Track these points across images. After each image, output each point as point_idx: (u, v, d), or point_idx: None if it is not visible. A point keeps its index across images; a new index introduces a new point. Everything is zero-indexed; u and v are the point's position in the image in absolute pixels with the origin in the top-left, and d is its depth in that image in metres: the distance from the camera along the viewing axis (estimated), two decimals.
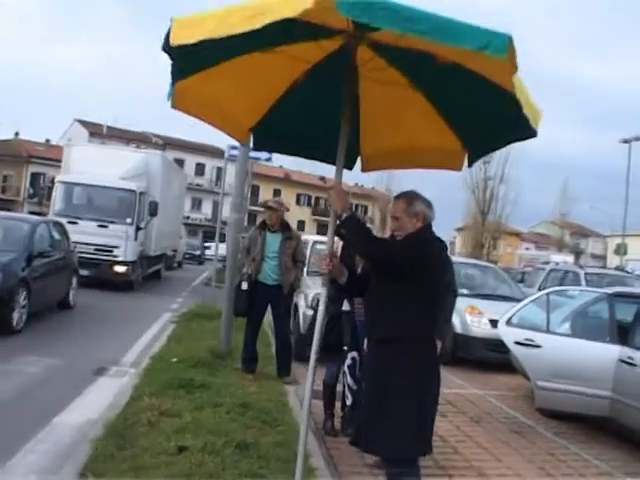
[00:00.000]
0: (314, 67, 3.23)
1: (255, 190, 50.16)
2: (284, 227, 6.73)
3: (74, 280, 10.94)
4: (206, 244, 41.80)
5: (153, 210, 15.34)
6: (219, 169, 54.04)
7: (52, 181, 22.73)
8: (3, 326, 7.84)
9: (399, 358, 3.08)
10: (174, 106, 3.20)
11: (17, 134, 50.86)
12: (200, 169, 57.47)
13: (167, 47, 2.55)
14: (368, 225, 3.69)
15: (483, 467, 4.69)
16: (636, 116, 79.30)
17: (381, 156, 3.86)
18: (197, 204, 56.60)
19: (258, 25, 2.19)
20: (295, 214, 50.60)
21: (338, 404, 5.22)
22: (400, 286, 3.09)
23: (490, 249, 41.25)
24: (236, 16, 2.29)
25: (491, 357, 8.61)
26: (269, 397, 5.57)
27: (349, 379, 4.93)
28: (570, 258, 36.17)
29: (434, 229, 3.34)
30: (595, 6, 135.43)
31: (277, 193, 56.02)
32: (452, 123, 3.29)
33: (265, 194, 54.35)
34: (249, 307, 6.55)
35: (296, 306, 8.02)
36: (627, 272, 17.77)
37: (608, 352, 5.76)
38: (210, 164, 56.84)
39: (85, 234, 13.72)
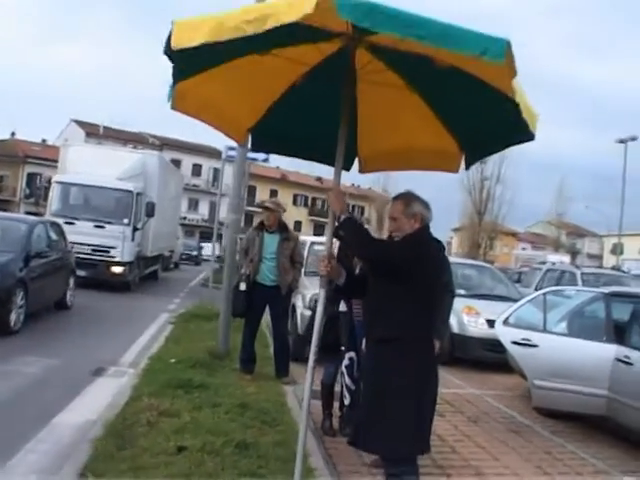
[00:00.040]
0: (312, 69, 3.25)
1: (252, 191, 50.16)
2: (282, 228, 6.75)
3: (71, 280, 10.94)
4: (201, 244, 41.91)
5: (150, 211, 15.34)
6: (216, 170, 54.02)
7: (49, 181, 22.70)
8: (1, 327, 7.84)
9: (397, 358, 3.10)
10: (174, 107, 3.23)
11: (13, 134, 50.78)
12: (197, 170, 57.44)
13: (168, 50, 2.57)
14: (366, 226, 3.71)
15: (481, 466, 4.71)
16: (632, 116, 79.67)
17: (379, 157, 3.89)
18: (194, 205, 56.57)
19: (260, 30, 2.22)
20: (292, 215, 50.57)
21: (336, 404, 5.24)
22: (398, 287, 3.11)
23: (487, 249, 41.38)
24: (237, 20, 2.31)
25: (488, 357, 8.64)
26: (268, 397, 5.59)
27: (347, 379, 4.95)
28: (566, 258, 36.27)
29: (431, 230, 3.37)
30: (594, 7, 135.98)
31: (274, 194, 56.01)
32: (449, 126, 3.32)
33: (262, 195, 54.34)
34: (247, 308, 6.57)
35: (294, 307, 8.04)
36: (623, 272, 17.84)
37: (605, 351, 5.79)
38: (207, 165, 56.82)
39: (82, 234, 13.71)
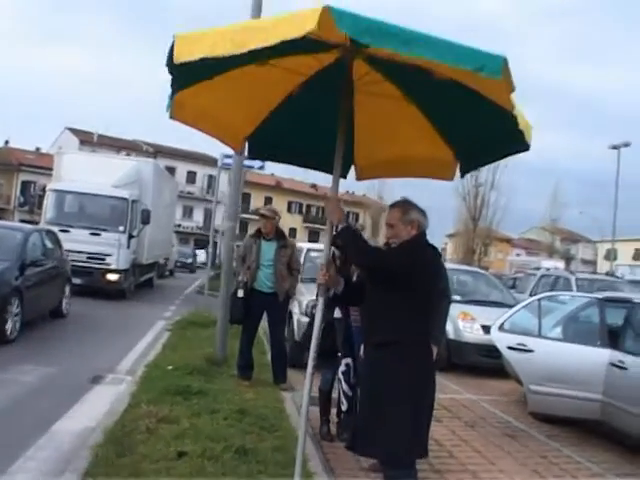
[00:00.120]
0: (309, 79, 3.31)
1: (246, 198, 50.21)
2: (279, 235, 6.79)
3: (67, 289, 10.93)
4: (196, 251, 41.98)
5: (145, 218, 15.35)
6: (210, 177, 54.04)
7: (43, 189, 22.67)
8: None
9: (396, 362, 3.15)
10: (172, 117, 3.28)
11: (7, 142, 50.64)
12: (191, 177, 57.44)
13: (171, 63, 2.62)
14: (364, 235, 3.77)
15: (478, 470, 4.75)
16: (625, 122, 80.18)
17: (375, 165, 3.96)
18: (188, 212, 56.53)
19: (261, 45, 2.27)
20: (286, 222, 50.58)
21: (334, 410, 5.27)
22: (396, 293, 3.17)
23: (481, 255, 41.44)
24: (239, 35, 2.37)
25: (484, 362, 8.69)
26: (266, 403, 5.61)
27: (344, 385, 4.99)
28: (561, 264, 36.41)
29: (427, 236, 3.43)
30: (589, 11, 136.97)
31: (268, 201, 55.98)
32: (446, 136, 3.38)
33: (256, 202, 54.36)
34: (245, 315, 6.59)
35: (290, 313, 8.07)
36: (617, 277, 17.97)
37: (599, 356, 5.85)
38: (201, 172, 56.86)
39: (77, 242, 13.68)
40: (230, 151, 13.06)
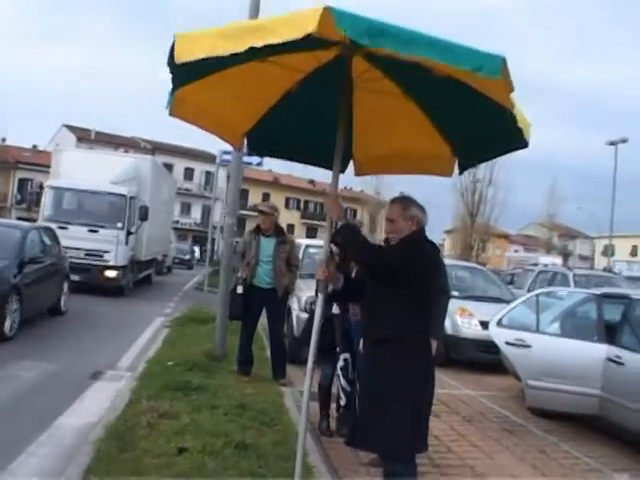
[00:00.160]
0: (308, 76, 3.32)
1: (244, 194, 50.16)
2: (278, 231, 6.82)
3: (65, 286, 10.93)
4: (193, 248, 42.06)
5: (144, 215, 15.34)
6: (208, 173, 54.04)
7: (40, 187, 22.64)
8: None
9: (396, 358, 3.17)
10: (172, 114, 3.29)
11: (4, 140, 50.52)
12: (189, 174, 57.36)
13: (172, 63, 2.64)
14: (363, 232, 3.79)
15: (476, 465, 4.79)
16: (623, 117, 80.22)
17: (373, 161, 3.98)
18: (186, 209, 56.46)
19: (261, 44, 2.28)
20: (284, 218, 50.50)
21: (333, 405, 5.30)
22: (396, 289, 3.19)
23: (479, 251, 41.53)
24: (239, 35, 2.38)
25: (481, 358, 8.73)
26: (265, 398, 5.64)
27: (342, 380, 5.02)
28: (558, 260, 36.51)
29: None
30: (587, 8, 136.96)
31: (266, 197, 55.98)
32: (445, 133, 3.41)
33: (254, 198, 54.36)
34: (244, 311, 6.62)
35: (289, 309, 8.10)
36: (614, 273, 18.04)
37: (596, 351, 5.89)
38: (199, 169, 56.80)
39: (75, 239, 13.68)
40: (228, 148, 13.12)
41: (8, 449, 4.18)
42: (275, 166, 50.28)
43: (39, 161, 41.86)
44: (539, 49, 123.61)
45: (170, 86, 3.10)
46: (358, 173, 4.05)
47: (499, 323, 6.85)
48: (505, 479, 4.60)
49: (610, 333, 6.02)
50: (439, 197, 41.88)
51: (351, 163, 3.99)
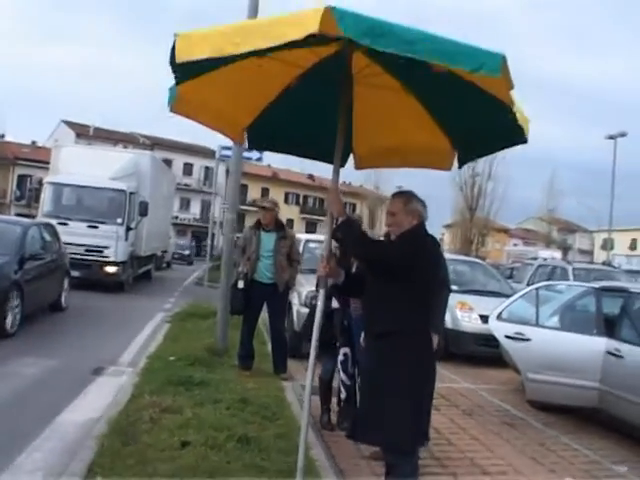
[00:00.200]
0: (308, 71, 3.33)
1: (243, 189, 50.09)
2: (278, 227, 6.84)
3: (66, 282, 10.96)
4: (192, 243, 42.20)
5: (143, 210, 15.35)
6: (207, 169, 54.00)
7: (39, 182, 22.60)
8: None
9: (397, 352, 3.20)
10: (173, 110, 3.31)
11: (3, 136, 50.42)
12: (188, 169, 57.32)
13: (173, 62, 2.65)
14: (364, 228, 3.83)
15: (476, 457, 4.83)
16: (622, 110, 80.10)
17: (374, 155, 4.00)
18: (185, 204, 56.44)
19: (263, 46, 2.29)
20: (283, 213, 50.44)
21: (334, 399, 5.33)
22: (396, 284, 3.22)
23: (479, 245, 41.50)
24: (240, 36, 2.40)
25: (481, 352, 8.76)
26: (267, 393, 5.67)
27: (342, 374, 5.06)
28: (558, 254, 36.48)
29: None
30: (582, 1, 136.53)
31: (265, 192, 55.99)
32: (444, 127, 3.43)
33: (253, 193, 54.32)
34: (245, 305, 6.65)
35: (290, 304, 8.13)
36: (614, 267, 18.06)
37: (595, 344, 5.93)
38: (198, 164, 56.75)
39: (75, 235, 13.67)
40: (228, 143, 13.11)
41: (12, 444, 4.21)
42: (274, 161, 50.33)
43: (38, 157, 41.79)
44: (533, 40, 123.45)
45: (170, 83, 3.13)
46: (358, 167, 4.07)
47: (499, 317, 6.88)
48: (505, 471, 4.63)
49: (609, 326, 6.05)
50: (438, 191, 41.82)
51: (351, 157, 4.01)
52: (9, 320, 8.01)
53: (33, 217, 16.08)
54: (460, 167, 3.72)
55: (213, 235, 24.00)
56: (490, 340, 7.55)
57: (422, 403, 3.32)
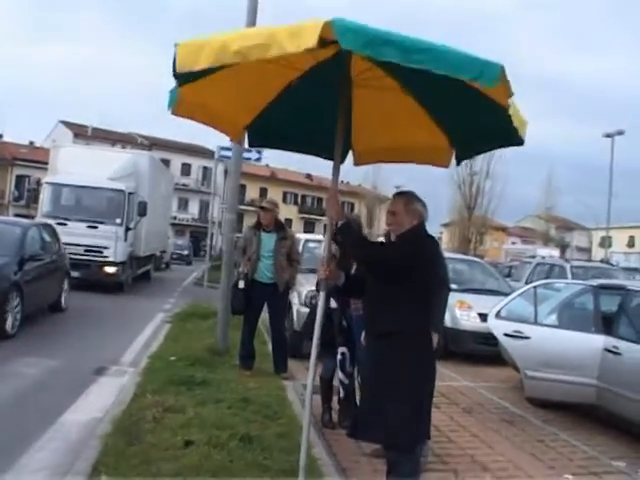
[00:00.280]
0: (306, 73, 3.37)
1: (241, 189, 49.76)
2: (278, 227, 6.88)
3: (66, 282, 10.97)
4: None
5: (142, 210, 15.34)
6: (205, 169, 53.98)
7: (38, 183, 22.59)
8: None
9: (397, 351, 3.24)
10: (174, 112, 3.35)
11: (1, 136, 50.36)
12: (186, 169, 57.28)
13: (174, 72, 2.70)
14: (364, 230, 3.88)
15: (477, 454, 4.87)
16: (619, 108, 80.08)
17: (372, 151, 4.06)
18: (184, 204, 56.42)
19: (262, 57, 2.33)
20: (282, 212, 50.31)
21: (335, 398, 5.37)
22: (396, 284, 3.26)
23: (477, 244, 41.53)
24: (240, 46, 2.44)
25: (480, 350, 8.80)
26: (268, 392, 5.71)
27: (340, 373, 5.10)
28: (556, 252, 36.57)
29: None
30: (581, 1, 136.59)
31: (263, 192, 55.99)
32: (443, 126, 3.47)
33: (251, 193, 54.35)
34: (246, 306, 6.68)
35: (290, 304, 8.16)
36: (611, 264, 18.14)
37: (594, 342, 5.97)
38: (196, 164, 56.72)
39: (74, 235, 13.66)
40: (226, 143, 13.12)
41: (16, 444, 4.23)
42: (272, 161, 50.25)
43: (36, 157, 41.76)
44: (530, 38, 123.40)
45: (171, 85, 3.16)
46: (357, 163, 4.12)
47: (498, 315, 6.92)
48: (505, 467, 4.67)
49: (607, 324, 6.09)
50: (436, 190, 41.89)
51: (350, 153, 4.05)
52: (9, 321, 8.02)
53: (32, 218, 16.09)
54: (458, 164, 3.79)
55: (212, 235, 23.97)
56: (489, 338, 7.60)
57: (423, 402, 3.36)
